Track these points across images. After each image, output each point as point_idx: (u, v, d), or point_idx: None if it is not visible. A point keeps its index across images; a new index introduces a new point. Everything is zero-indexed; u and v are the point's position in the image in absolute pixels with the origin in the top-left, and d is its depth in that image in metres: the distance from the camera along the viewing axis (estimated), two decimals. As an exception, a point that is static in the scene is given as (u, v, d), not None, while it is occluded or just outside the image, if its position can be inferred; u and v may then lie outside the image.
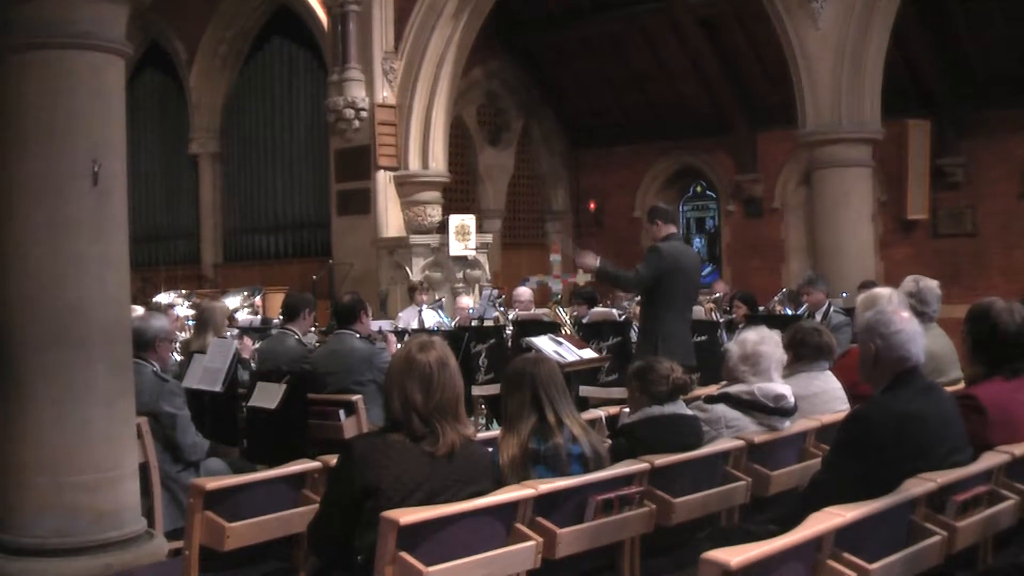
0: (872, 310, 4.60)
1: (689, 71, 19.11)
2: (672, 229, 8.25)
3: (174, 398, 6.41)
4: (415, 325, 11.93)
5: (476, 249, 16.72)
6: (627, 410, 5.25)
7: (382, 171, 16.82)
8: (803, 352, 5.86)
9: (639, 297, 8.86)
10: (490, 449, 4.34)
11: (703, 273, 20.15)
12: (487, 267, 17.24)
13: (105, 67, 5.68)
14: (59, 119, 5.49)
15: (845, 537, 3.63)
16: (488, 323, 11.71)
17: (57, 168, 5.47)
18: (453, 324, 12.25)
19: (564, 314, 11.27)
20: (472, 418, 9.11)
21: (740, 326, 9.82)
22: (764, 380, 5.35)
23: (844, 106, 13.39)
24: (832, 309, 10.24)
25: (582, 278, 15.56)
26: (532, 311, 12.20)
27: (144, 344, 6.39)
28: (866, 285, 10.71)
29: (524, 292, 12.68)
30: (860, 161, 13.70)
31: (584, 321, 10.91)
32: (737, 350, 5.50)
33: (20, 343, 5.45)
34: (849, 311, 9.96)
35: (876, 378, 4.35)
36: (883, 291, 6.54)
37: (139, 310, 8.07)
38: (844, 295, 11.74)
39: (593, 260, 8.10)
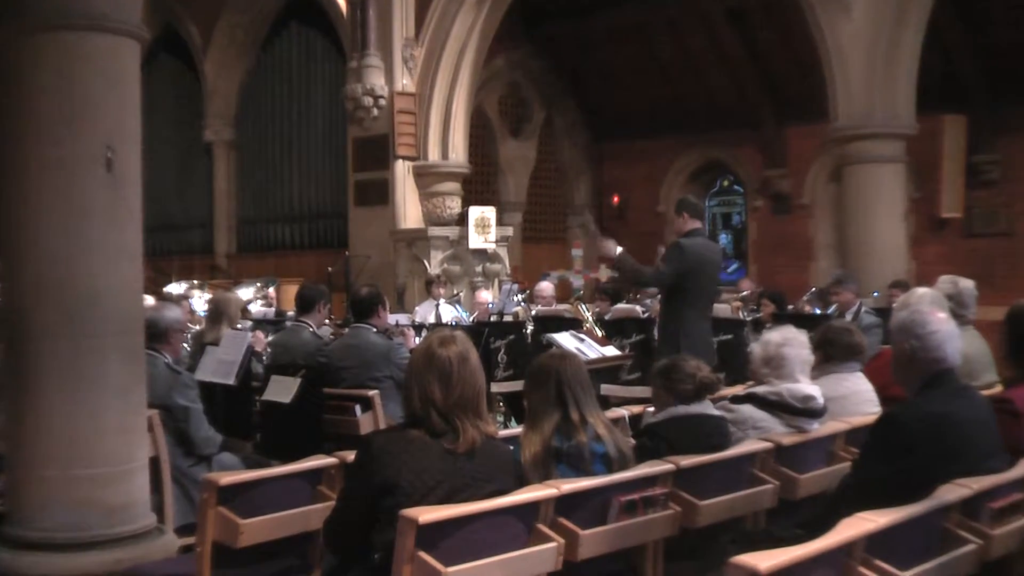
0: (907, 310, 4.50)
1: (716, 63, 18.94)
2: (697, 224, 8.10)
3: (187, 391, 6.32)
4: (432, 319, 11.85)
5: (496, 242, 16.53)
6: (651, 409, 5.18)
7: (401, 161, 16.67)
8: (833, 352, 5.76)
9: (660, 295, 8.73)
10: (512, 447, 4.26)
11: (729, 271, 20.14)
12: (507, 261, 17.10)
13: (121, 51, 5.60)
14: (74, 104, 5.41)
15: (877, 543, 3.57)
16: (508, 318, 11.62)
17: (72, 153, 5.39)
18: (471, 319, 12.15)
19: (586, 310, 11.15)
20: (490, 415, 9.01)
21: (767, 325, 9.65)
22: (788, 382, 5.24)
23: (877, 100, 13.27)
24: (863, 309, 9.87)
25: (604, 273, 15.44)
26: (553, 307, 12.09)
27: (157, 335, 6.29)
28: (898, 285, 10.56)
29: (546, 287, 12.59)
30: (892, 157, 13.58)
31: (607, 318, 10.79)
32: (760, 351, 5.43)
33: (32, 331, 5.39)
34: (880, 311, 9.75)
35: (910, 379, 4.27)
36: (920, 291, 6.41)
37: (150, 300, 7.98)
38: (875, 294, 11.56)
39: (613, 248, 7.91)
